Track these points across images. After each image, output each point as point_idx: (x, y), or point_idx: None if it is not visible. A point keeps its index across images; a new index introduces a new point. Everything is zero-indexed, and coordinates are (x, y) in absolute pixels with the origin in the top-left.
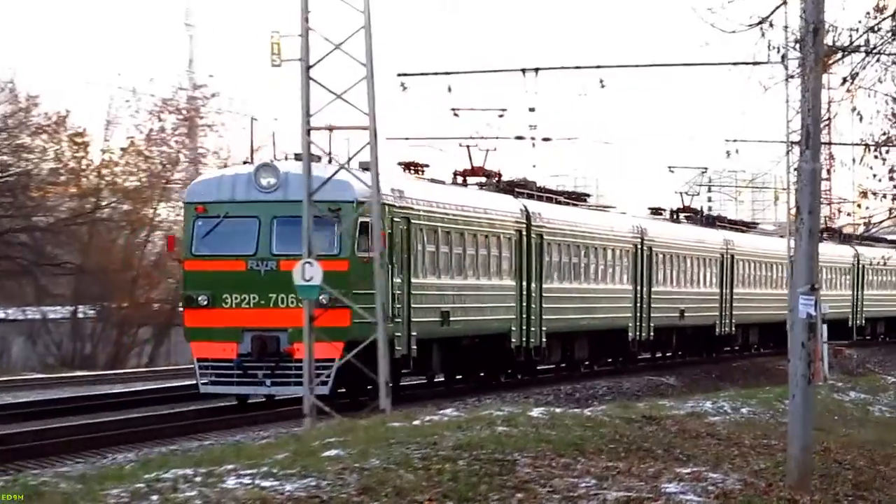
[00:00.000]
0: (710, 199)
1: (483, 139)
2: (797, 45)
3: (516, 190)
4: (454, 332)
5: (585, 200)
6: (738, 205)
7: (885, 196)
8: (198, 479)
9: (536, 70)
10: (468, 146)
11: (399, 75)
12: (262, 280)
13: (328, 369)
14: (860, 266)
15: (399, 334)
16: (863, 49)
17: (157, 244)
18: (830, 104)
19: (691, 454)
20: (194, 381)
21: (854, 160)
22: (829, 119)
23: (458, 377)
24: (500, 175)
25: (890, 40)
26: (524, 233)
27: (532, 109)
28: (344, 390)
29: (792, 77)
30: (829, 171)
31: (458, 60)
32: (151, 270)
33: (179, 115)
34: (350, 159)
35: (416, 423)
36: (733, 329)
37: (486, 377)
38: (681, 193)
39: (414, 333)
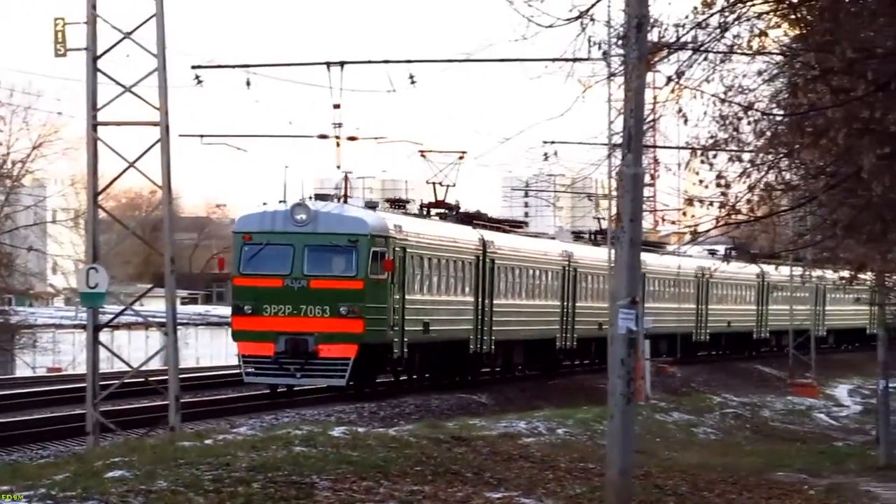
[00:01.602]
0: (526, 205)
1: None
2: (620, 42)
3: (474, 221)
4: (432, 339)
5: (522, 227)
6: (556, 211)
7: (711, 203)
8: None
9: (342, 64)
10: (433, 183)
11: (193, 67)
12: (295, 294)
13: (345, 366)
14: (765, 283)
15: (396, 340)
16: (690, 46)
17: None
18: (655, 105)
19: (503, 478)
20: None
21: (679, 165)
22: (653, 121)
23: (426, 375)
24: (458, 207)
25: (718, 37)
26: (481, 257)
27: (337, 106)
28: (353, 383)
29: (614, 75)
30: (652, 177)
31: (258, 52)
32: None
33: None
34: (140, 157)
35: (207, 442)
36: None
37: (449, 376)
38: (598, 219)
39: (406, 340)
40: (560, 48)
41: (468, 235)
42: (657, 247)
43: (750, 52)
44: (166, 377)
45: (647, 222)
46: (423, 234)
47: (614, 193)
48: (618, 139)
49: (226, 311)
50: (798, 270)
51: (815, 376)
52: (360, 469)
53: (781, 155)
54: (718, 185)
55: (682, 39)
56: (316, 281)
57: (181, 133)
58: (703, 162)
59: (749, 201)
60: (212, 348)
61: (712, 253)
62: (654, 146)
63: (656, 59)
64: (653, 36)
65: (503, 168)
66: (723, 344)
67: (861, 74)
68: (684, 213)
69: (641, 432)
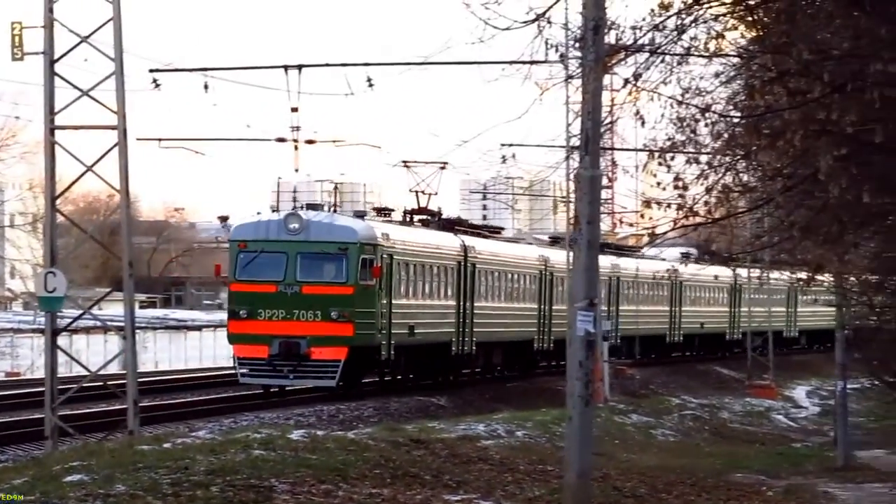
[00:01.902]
0: (484, 208)
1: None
2: (577, 44)
3: (455, 227)
4: (417, 341)
5: (500, 233)
6: (515, 214)
7: (669, 205)
8: None
9: (299, 67)
10: (416, 192)
11: (151, 71)
12: (288, 299)
13: (336, 367)
14: (737, 285)
15: (384, 342)
16: (647, 48)
17: None
18: (613, 107)
19: (462, 480)
20: None
21: (637, 167)
22: (610, 123)
23: (410, 376)
24: (440, 214)
25: (675, 39)
26: (462, 262)
27: (295, 109)
28: (342, 383)
29: (572, 78)
30: (610, 179)
31: (216, 56)
32: None
33: None
34: (98, 160)
35: (166, 445)
36: (619, 340)
37: (433, 376)
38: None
39: (393, 342)
40: (517, 51)
41: (450, 242)
42: (632, 250)
43: (707, 54)
44: (125, 381)
45: (605, 224)
46: (409, 241)
47: (572, 196)
48: (576, 141)
49: (184, 314)
50: (756, 272)
51: (774, 378)
52: (318, 472)
53: (738, 157)
54: (676, 187)
55: (640, 42)
56: (308, 287)
57: (139, 137)
58: (660, 164)
59: (706, 203)
60: (170, 352)
61: (686, 256)
62: (612, 148)
63: (613, 61)
64: (610, 38)
65: (461, 171)
66: (696, 345)
67: (818, 76)
68: (642, 216)
69: (600, 434)
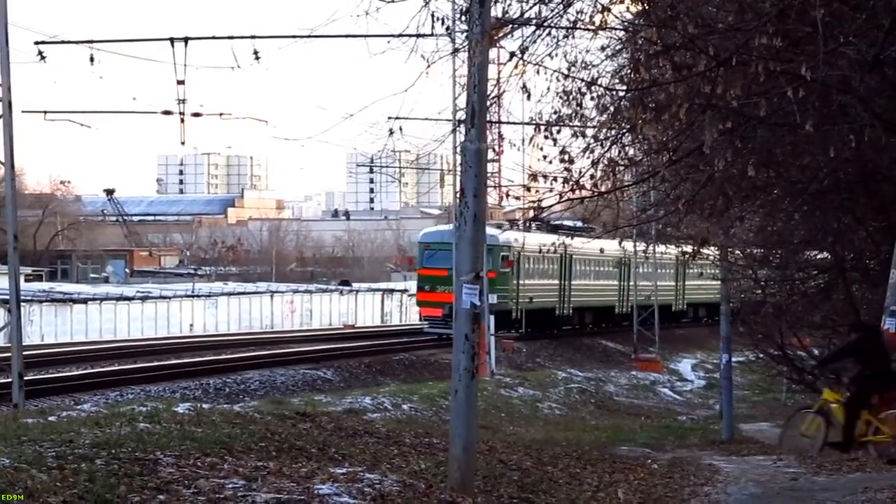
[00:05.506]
0: (371, 181)
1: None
2: (463, 17)
3: (559, 230)
4: (535, 307)
5: (590, 232)
6: (402, 187)
7: (555, 179)
8: None
9: (186, 40)
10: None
11: (37, 43)
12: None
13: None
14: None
15: (514, 308)
16: (534, 22)
17: None
18: (499, 80)
19: (347, 453)
20: None
21: (524, 141)
22: (497, 96)
23: (529, 330)
24: (549, 221)
25: (561, 13)
26: (563, 254)
27: (181, 82)
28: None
29: (458, 51)
30: (496, 152)
31: (102, 28)
32: None
33: None
34: None
35: (51, 419)
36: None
37: (543, 331)
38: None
39: (520, 307)
40: (404, 23)
41: (553, 241)
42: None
43: (593, 27)
44: (10, 354)
45: (491, 198)
46: (528, 243)
47: (459, 169)
48: (462, 115)
49: (70, 287)
50: (642, 246)
51: (659, 351)
52: (204, 445)
53: (624, 130)
54: (562, 161)
55: (526, 15)
56: None
57: (24, 109)
58: (546, 137)
59: (592, 176)
60: (56, 325)
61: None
62: (499, 122)
63: (500, 34)
64: (496, 11)
65: (348, 144)
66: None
67: (702, 50)
68: (528, 189)
69: (486, 408)
